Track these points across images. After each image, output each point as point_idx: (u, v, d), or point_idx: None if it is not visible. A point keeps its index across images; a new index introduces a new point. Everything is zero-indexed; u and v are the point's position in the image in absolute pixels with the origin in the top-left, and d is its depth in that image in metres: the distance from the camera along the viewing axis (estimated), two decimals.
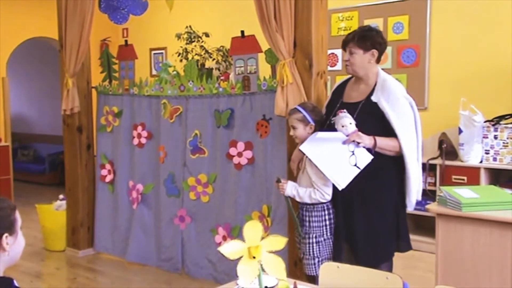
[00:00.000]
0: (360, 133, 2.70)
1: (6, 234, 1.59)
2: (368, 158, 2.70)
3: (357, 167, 2.70)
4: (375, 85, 2.83)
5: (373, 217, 2.81)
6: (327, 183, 2.77)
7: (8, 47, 6.58)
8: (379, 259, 2.80)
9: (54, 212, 4.87)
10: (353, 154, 2.70)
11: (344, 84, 3.02)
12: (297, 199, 2.86)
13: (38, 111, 9.33)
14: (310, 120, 2.86)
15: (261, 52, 3.63)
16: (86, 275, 4.27)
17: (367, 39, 2.82)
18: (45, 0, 6.09)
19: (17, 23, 6.57)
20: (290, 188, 2.86)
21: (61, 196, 4.96)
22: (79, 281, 4.14)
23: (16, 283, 1.60)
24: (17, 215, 1.66)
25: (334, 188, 2.77)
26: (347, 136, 2.70)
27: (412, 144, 2.79)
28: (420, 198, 2.92)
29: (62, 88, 4.62)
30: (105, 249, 4.70)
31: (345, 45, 2.88)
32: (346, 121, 2.72)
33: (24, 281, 3.96)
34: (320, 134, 2.79)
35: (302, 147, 2.80)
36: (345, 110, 2.76)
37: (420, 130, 2.85)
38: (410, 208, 2.89)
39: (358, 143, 2.69)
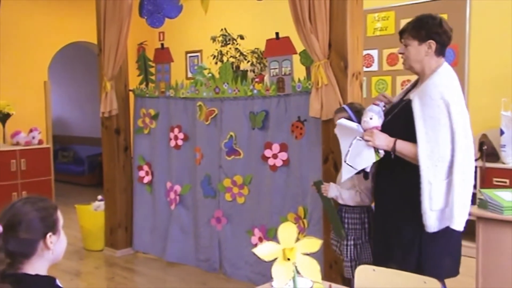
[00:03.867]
0: (376, 131, 2.41)
1: (50, 233, 1.63)
2: (370, 160, 2.44)
3: (349, 165, 2.46)
4: None
5: (394, 230, 2.52)
6: (369, 185, 2.74)
7: (50, 52, 6.78)
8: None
9: (93, 213, 4.98)
10: (349, 150, 2.47)
11: (415, 85, 2.66)
12: (340, 201, 2.83)
13: (77, 113, 9.56)
14: (355, 121, 2.80)
15: (296, 53, 3.62)
16: (123, 275, 4.34)
17: (422, 28, 2.45)
18: (85, 6, 6.24)
19: (58, 29, 6.75)
20: (333, 190, 2.84)
21: (99, 197, 5.07)
22: (117, 280, 4.22)
23: (58, 282, 1.64)
24: (59, 214, 1.70)
25: (374, 190, 2.74)
26: (364, 130, 2.46)
27: (438, 155, 2.33)
28: (457, 226, 2.35)
29: (101, 91, 4.72)
30: (144, 249, 4.77)
31: (400, 36, 2.55)
32: (367, 115, 2.48)
33: (64, 279, 4.06)
34: (341, 121, 2.60)
35: (336, 130, 2.65)
36: (379, 103, 2.52)
37: (463, 143, 2.33)
38: (430, 229, 2.38)
39: (367, 141, 2.41)
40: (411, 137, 2.37)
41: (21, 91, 6.44)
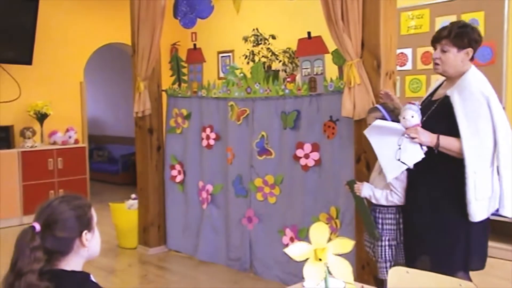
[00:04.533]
0: (420, 128, 2.51)
1: (85, 231, 1.67)
2: (417, 156, 2.52)
3: (403, 162, 2.55)
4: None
5: (434, 225, 2.61)
6: (404, 185, 2.71)
7: (86, 53, 6.92)
8: (447, 268, 2.61)
9: (126, 211, 5.06)
10: (399, 148, 2.55)
11: (439, 86, 2.79)
12: (373, 200, 2.81)
13: (112, 114, 9.73)
14: (390, 120, 2.77)
15: (328, 53, 3.59)
16: (156, 272, 4.40)
17: (464, 35, 2.54)
18: (120, 8, 6.35)
19: (93, 31, 6.89)
20: (366, 190, 2.81)
21: (133, 196, 5.15)
22: (149, 278, 4.27)
23: (92, 278, 1.68)
24: (93, 212, 1.74)
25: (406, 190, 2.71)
26: (405, 128, 2.54)
27: (482, 146, 2.46)
28: (508, 212, 2.55)
29: (134, 91, 4.80)
30: (176, 247, 4.83)
31: (436, 41, 2.61)
32: (408, 113, 2.54)
33: (99, 276, 4.12)
34: (378, 122, 2.68)
35: (366, 132, 2.73)
36: (415, 102, 2.59)
37: (504, 132, 2.48)
38: (474, 218, 2.49)
39: (413, 138, 2.50)
40: (451, 132, 2.49)
41: (58, 92, 6.60)
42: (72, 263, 1.66)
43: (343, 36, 3.18)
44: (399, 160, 2.56)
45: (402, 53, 5.24)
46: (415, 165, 2.59)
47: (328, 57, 3.60)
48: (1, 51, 5.95)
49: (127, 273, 4.55)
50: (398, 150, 2.56)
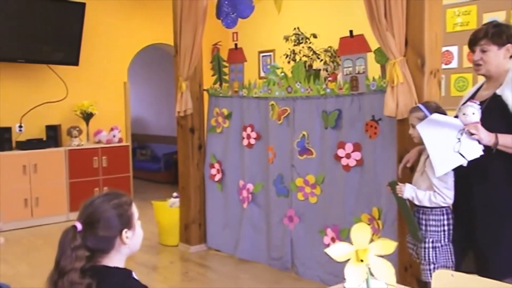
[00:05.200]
0: (480, 126, 2.49)
1: (125, 230, 1.70)
2: (477, 151, 2.49)
3: (462, 155, 2.51)
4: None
5: (496, 225, 2.60)
6: (448, 186, 2.64)
7: (129, 54, 7.07)
8: (505, 271, 2.54)
9: (168, 209, 5.13)
10: (459, 141, 2.52)
11: (477, 90, 2.82)
12: (416, 202, 2.75)
13: (155, 113, 9.90)
14: None
15: (370, 51, 3.54)
16: (197, 270, 4.44)
17: (502, 33, 2.59)
18: (162, 10, 6.46)
19: (137, 32, 7.03)
20: (408, 191, 2.76)
21: (174, 194, 5.22)
22: (190, 276, 4.32)
23: (135, 275, 1.71)
24: (134, 209, 1.76)
25: (456, 191, 2.64)
26: (465, 124, 2.52)
27: None
28: None
29: (176, 91, 4.86)
30: (216, 246, 4.86)
31: (474, 44, 2.64)
32: (469, 110, 2.52)
33: (142, 273, 4.22)
34: (435, 116, 2.63)
35: (419, 126, 2.68)
36: (476, 102, 2.56)
37: None
38: None
39: (472, 134, 2.47)
40: (505, 130, 2.50)
41: (103, 92, 6.77)
42: (114, 259, 1.69)
43: (386, 34, 3.13)
44: (458, 152, 2.52)
45: (447, 51, 5.11)
46: (461, 166, 2.54)
47: (370, 56, 3.55)
48: (49, 52, 6.15)
49: (169, 270, 4.62)
50: (457, 143, 2.52)
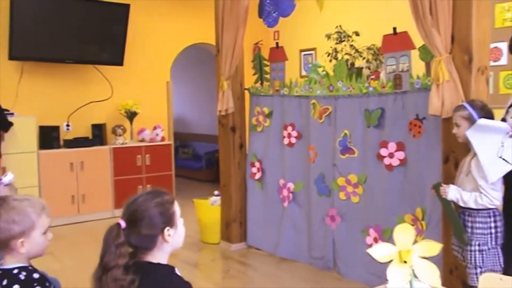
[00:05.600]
0: None
1: (167, 227, 1.72)
2: None
3: (505, 160, 2.46)
4: None
5: None
6: (495, 187, 2.56)
7: (172, 54, 7.17)
8: None
9: (210, 207, 5.18)
10: (502, 145, 2.47)
11: None
12: (460, 203, 2.68)
13: (197, 112, 10.01)
14: (477, 119, 2.65)
15: (415, 48, 3.47)
16: (238, 268, 4.47)
17: None
18: (204, 9, 6.52)
19: (179, 32, 7.12)
20: (453, 192, 2.69)
21: (216, 192, 5.26)
22: (231, 273, 4.35)
23: (177, 271, 1.73)
24: (176, 207, 1.78)
25: (505, 192, 2.56)
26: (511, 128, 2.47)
27: None
28: None
29: (218, 90, 4.90)
30: (257, 244, 4.87)
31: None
32: None
33: (183, 270, 4.26)
34: (482, 121, 2.58)
35: (468, 133, 2.61)
36: None
37: None
38: None
39: None
40: None
41: (146, 91, 6.89)
42: (157, 256, 1.72)
43: (431, 31, 3.05)
44: (500, 157, 2.47)
45: (496, 47, 4.95)
46: None
47: (414, 53, 3.47)
48: (95, 53, 6.31)
49: (210, 267, 4.66)
50: (501, 148, 2.47)
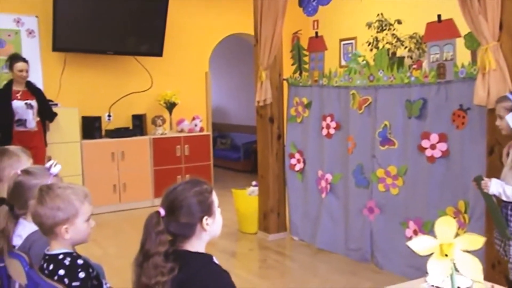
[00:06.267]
0: None
1: (206, 216, 1.74)
2: None
3: None
4: None
5: None
6: None
7: (211, 44, 7.21)
8: None
9: (248, 197, 5.20)
10: None
11: None
12: (503, 197, 2.60)
13: (235, 102, 10.05)
14: None
15: (460, 36, 3.37)
16: (275, 258, 4.48)
17: None
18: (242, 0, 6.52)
19: (218, 22, 7.15)
20: (495, 186, 2.61)
21: (254, 183, 5.28)
22: (269, 263, 4.36)
23: (215, 260, 1.75)
24: (214, 196, 1.80)
25: None
26: None
27: None
28: None
29: (256, 80, 4.89)
30: (295, 235, 4.88)
31: None
32: None
33: (221, 259, 4.31)
34: None
35: (508, 117, 2.51)
36: None
37: None
38: None
39: None
40: None
41: (185, 82, 6.96)
42: (195, 245, 1.74)
43: (478, 18, 2.95)
44: None
45: None
46: None
47: (459, 42, 3.37)
48: (135, 44, 6.41)
49: (248, 257, 4.69)
50: None
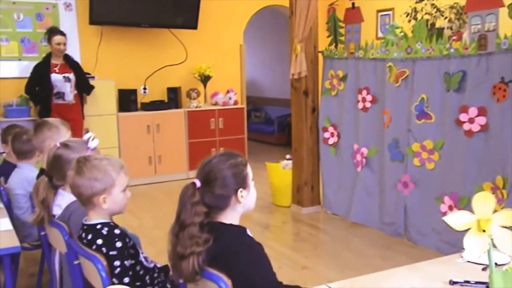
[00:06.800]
0: None
1: (240, 189, 1.75)
2: None
3: None
4: None
5: None
6: None
7: (245, 17, 7.14)
8: None
9: (281, 171, 5.21)
10: None
11: None
12: None
13: (269, 75, 9.99)
14: None
15: (503, 6, 3.23)
16: (308, 231, 4.50)
17: None
18: None
19: None
20: None
21: (287, 156, 5.28)
22: (302, 236, 4.39)
23: (249, 232, 1.77)
24: (248, 169, 1.81)
25: None
26: None
27: None
28: None
29: (291, 53, 4.84)
30: (328, 208, 4.88)
31: None
32: None
33: (255, 231, 4.35)
34: None
35: None
36: None
37: None
38: None
39: None
40: None
41: (220, 55, 6.95)
42: (229, 217, 1.76)
43: None
44: None
45: None
46: None
47: (503, 11, 3.24)
48: (170, 17, 6.41)
49: (281, 229, 4.72)
50: None
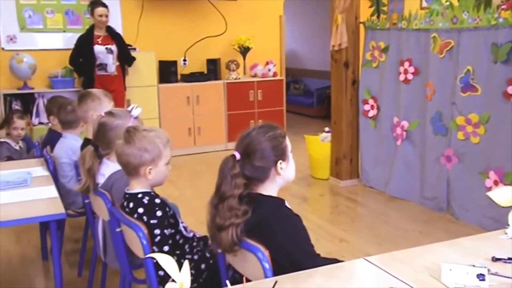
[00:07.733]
0: None
1: (280, 161, 1.75)
2: None
3: None
4: None
5: None
6: None
7: None
8: None
9: (320, 143, 5.18)
10: None
11: None
12: None
13: (309, 47, 9.87)
14: None
15: None
16: (346, 204, 4.48)
17: None
18: None
19: None
20: None
21: (326, 129, 5.24)
22: (340, 209, 4.38)
23: (287, 204, 1.77)
24: (287, 141, 1.81)
25: None
26: None
27: None
28: None
29: (331, 24, 4.75)
30: (367, 182, 4.84)
31: None
32: None
33: (293, 203, 4.37)
34: None
35: None
36: None
37: None
38: None
39: None
40: None
41: (259, 26, 6.89)
42: (268, 189, 1.76)
43: None
44: None
45: None
46: None
47: None
48: None
49: (319, 202, 4.73)
50: None
